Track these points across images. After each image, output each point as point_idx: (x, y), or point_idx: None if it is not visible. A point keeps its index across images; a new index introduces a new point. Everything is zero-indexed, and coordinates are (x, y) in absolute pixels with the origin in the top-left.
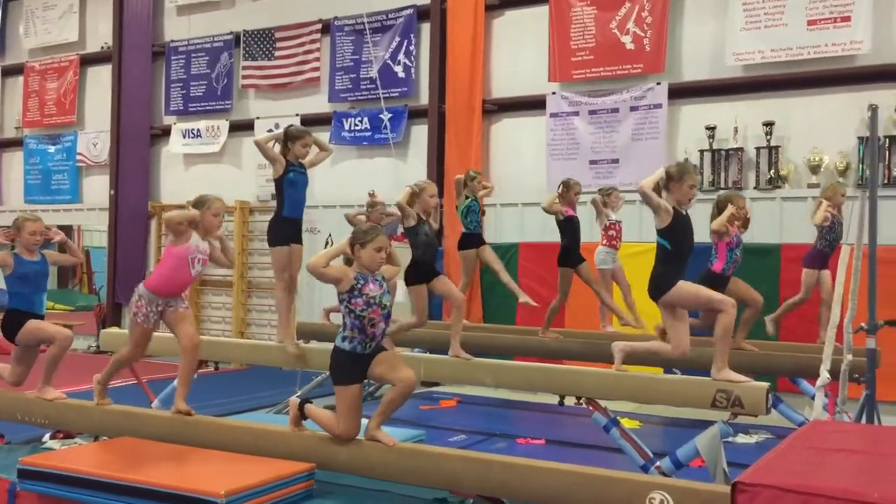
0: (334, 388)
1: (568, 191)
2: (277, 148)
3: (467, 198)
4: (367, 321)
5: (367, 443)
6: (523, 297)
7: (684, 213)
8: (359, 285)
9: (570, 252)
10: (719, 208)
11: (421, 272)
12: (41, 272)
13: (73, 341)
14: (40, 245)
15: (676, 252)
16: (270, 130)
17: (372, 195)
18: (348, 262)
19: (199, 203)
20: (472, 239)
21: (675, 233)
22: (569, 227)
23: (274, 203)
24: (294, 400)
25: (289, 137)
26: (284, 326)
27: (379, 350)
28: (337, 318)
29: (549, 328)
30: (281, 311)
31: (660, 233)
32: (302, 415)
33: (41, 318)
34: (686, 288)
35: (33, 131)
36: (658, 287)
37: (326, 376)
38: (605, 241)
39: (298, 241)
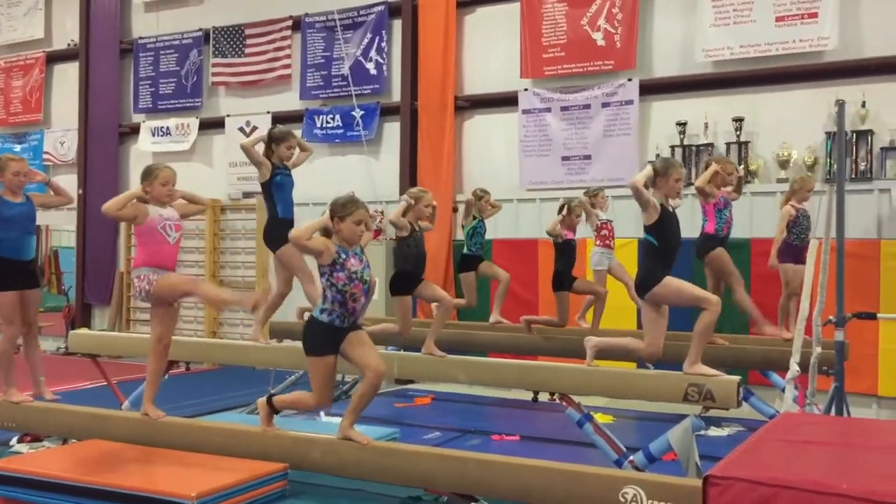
0: (308, 360)
1: (570, 213)
2: (261, 150)
3: (475, 218)
4: (349, 295)
5: (340, 442)
6: (494, 317)
7: (671, 209)
8: (341, 259)
9: (563, 276)
10: (705, 167)
11: (407, 282)
12: (28, 214)
13: (16, 340)
14: (24, 186)
15: (663, 248)
16: (241, 128)
17: None
18: (326, 234)
19: (146, 175)
20: (472, 261)
21: (663, 229)
22: (566, 249)
23: (246, 201)
24: (261, 400)
25: (273, 139)
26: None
27: (355, 326)
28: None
29: (531, 327)
30: (269, 309)
31: (647, 229)
32: (272, 409)
33: (28, 263)
34: (672, 283)
35: None
36: (645, 282)
37: (300, 375)
38: (598, 242)
39: None
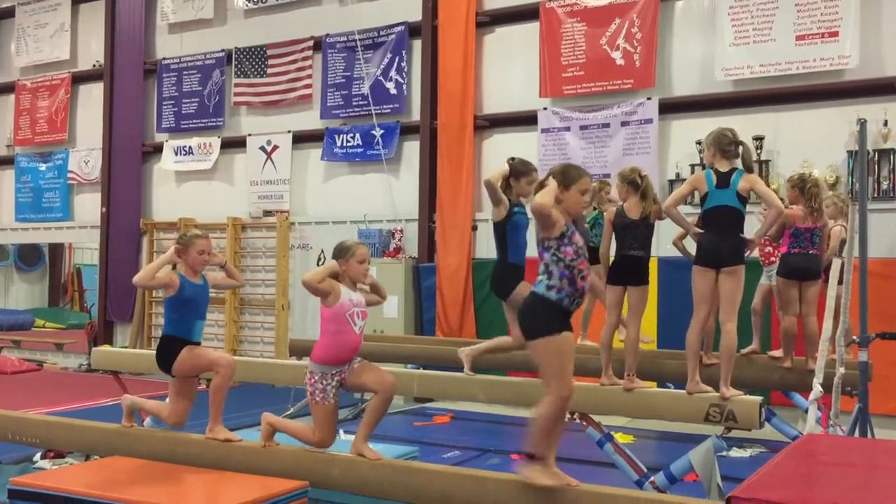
0: (537, 345)
1: None
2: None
3: (595, 209)
4: (577, 272)
5: (360, 460)
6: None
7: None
8: (569, 232)
9: None
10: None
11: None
12: (204, 296)
13: (234, 370)
14: (205, 266)
15: None
16: (262, 147)
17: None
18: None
19: (342, 252)
20: (596, 252)
21: None
22: None
23: (266, 219)
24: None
25: (513, 174)
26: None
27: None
28: None
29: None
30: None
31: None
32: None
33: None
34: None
35: (24, 149)
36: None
37: None
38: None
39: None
